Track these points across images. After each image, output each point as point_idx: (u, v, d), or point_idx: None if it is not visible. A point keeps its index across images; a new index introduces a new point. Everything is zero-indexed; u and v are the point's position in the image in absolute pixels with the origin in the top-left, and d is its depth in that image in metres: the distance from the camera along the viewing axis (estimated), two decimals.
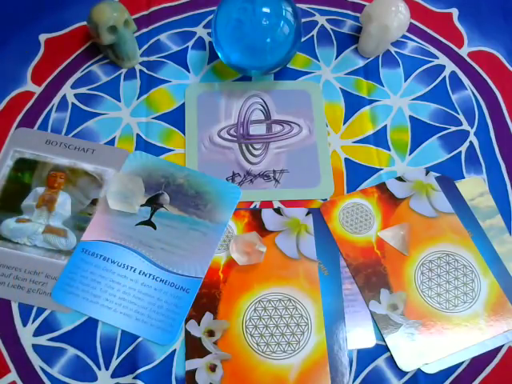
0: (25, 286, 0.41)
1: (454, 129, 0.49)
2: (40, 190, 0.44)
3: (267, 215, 0.44)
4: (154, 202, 0.44)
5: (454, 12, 0.55)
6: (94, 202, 0.43)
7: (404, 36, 0.53)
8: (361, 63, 0.52)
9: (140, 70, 0.51)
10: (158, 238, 0.42)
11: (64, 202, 0.43)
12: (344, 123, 0.49)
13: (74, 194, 0.44)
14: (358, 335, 0.40)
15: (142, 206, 0.43)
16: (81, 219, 0.43)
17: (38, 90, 0.49)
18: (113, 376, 0.39)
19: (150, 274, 0.41)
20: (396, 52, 0.53)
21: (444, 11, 0.55)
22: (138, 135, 0.47)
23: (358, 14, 0.54)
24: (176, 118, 0.48)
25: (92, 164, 0.45)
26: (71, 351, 0.39)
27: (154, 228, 0.43)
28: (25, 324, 0.40)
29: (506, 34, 0.54)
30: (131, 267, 0.41)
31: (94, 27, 0.47)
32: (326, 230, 0.44)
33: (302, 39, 0.51)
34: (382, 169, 0.47)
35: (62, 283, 0.40)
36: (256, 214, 0.44)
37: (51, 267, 0.41)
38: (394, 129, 0.49)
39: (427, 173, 0.46)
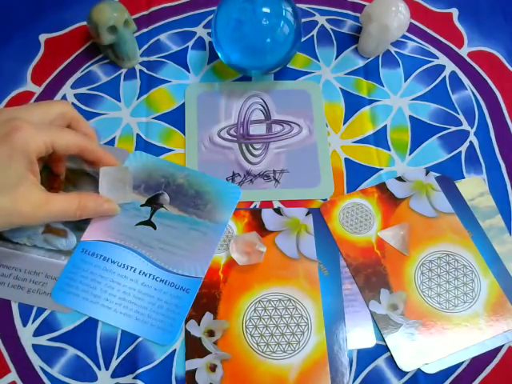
0: (25, 286, 0.41)
1: (454, 129, 0.49)
2: None
3: (267, 215, 0.44)
4: (153, 202, 0.44)
5: (454, 12, 0.55)
6: None
7: (404, 36, 0.53)
8: (361, 63, 0.52)
9: (140, 70, 0.51)
10: (157, 238, 0.42)
11: None
12: (344, 123, 0.49)
13: None
14: (358, 335, 0.40)
15: (142, 206, 0.43)
16: (81, 219, 0.43)
17: (38, 90, 0.49)
18: (113, 376, 0.39)
19: (149, 274, 0.41)
20: (396, 52, 0.53)
21: (444, 11, 0.55)
22: (138, 135, 0.47)
23: (358, 14, 0.54)
24: (176, 118, 0.48)
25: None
26: (71, 351, 0.39)
27: (154, 228, 0.43)
28: (25, 324, 0.40)
29: (506, 34, 0.54)
30: (131, 267, 0.41)
31: (94, 27, 0.47)
32: (326, 229, 0.44)
33: (302, 39, 0.51)
34: (382, 169, 0.47)
35: (62, 283, 0.40)
36: (256, 214, 0.44)
37: (51, 267, 0.41)
38: (394, 129, 0.49)
39: (427, 173, 0.46)
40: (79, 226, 0.42)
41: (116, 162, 0.42)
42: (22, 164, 0.36)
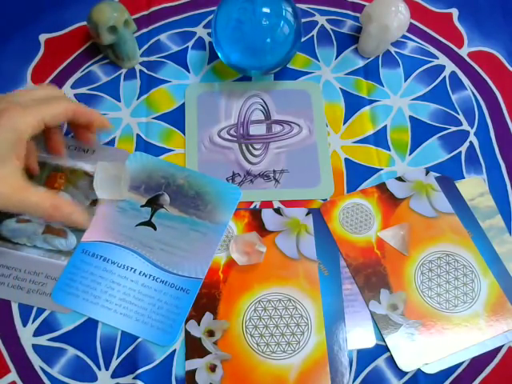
0: (24, 287, 0.41)
1: (454, 129, 0.49)
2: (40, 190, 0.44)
3: (267, 215, 0.44)
4: (154, 203, 0.44)
5: (454, 12, 0.55)
6: (94, 202, 0.43)
7: (404, 36, 0.53)
8: (361, 63, 0.52)
9: (140, 70, 0.51)
10: (158, 238, 0.42)
11: None
12: (344, 123, 0.49)
13: (73, 195, 0.44)
14: (358, 335, 0.40)
15: (142, 206, 0.43)
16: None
17: None
18: (113, 376, 0.39)
19: (150, 275, 0.41)
20: (396, 52, 0.53)
21: (444, 11, 0.55)
22: (138, 135, 0.47)
23: (357, 14, 0.54)
24: (176, 118, 0.48)
25: (92, 164, 0.45)
26: (71, 351, 0.39)
27: (154, 229, 0.43)
28: (25, 324, 0.40)
29: (506, 34, 0.54)
30: (131, 268, 0.41)
31: (93, 27, 0.47)
32: (326, 230, 0.44)
33: (302, 39, 0.51)
34: (382, 169, 0.47)
35: (62, 284, 0.40)
36: (256, 214, 0.44)
37: (51, 268, 0.41)
38: (394, 129, 0.49)
39: (427, 173, 0.46)
40: None
41: (108, 123, 0.43)
42: (9, 145, 0.35)
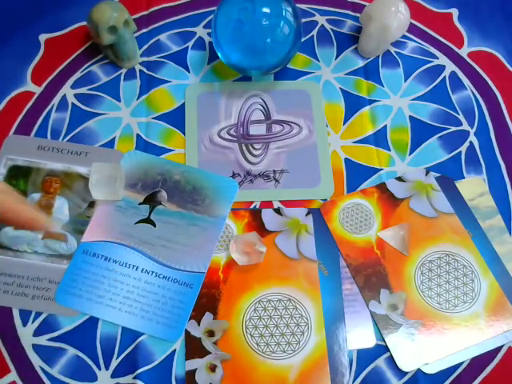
0: (29, 293, 0.40)
1: (454, 129, 0.49)
2: (36, 196, 0.44)
3: (267, 215, 0.44)
4: (151, 200, 0.44)
5: (454, 12, 0.55)
6: (92, 204, 0.43)
7: (404, 36, 0.53)
8: (361, 63, 0.52)
9: (140, 70, 0.51)
10: (158, 235, 0.42)
11: (61, 207, 0.43)
12: (344, 123, 0.49)
13: (70, 198, 0.44)
14: (358, 335, 0.40)
15: (140, 204, 0.43)
16: (79, 222, 0.43)
17: (38, 90, 0.49)
18: (113, 376, 0.39)
19: (152, 272, 0.41)
20: (396, 52, 0.53)
21: (444, 11, 0.55)
22: (138, 135, 0.47)
23: (357, 14, 0.54)
24: (176, 118, 0.48)
25: (86, 167, 0.45)
26: (71, 351, 0.39)
27: (154, 225, 0.43)
28: (25, 324, 0.40)
29: (506, 34, 0.54)
30: (133, 266, 0.41)
31: (94, 27, 0.47)
32: (326, 230, 0.44)
33: (302, 39, 0.51)
34: (382, 169, 0.47)
35: (65, 285, 0.40)
36: (256, 214, 0.44)
37: (54, 272, 0.41)
38: (394, 129, 0.49)
39: (427, 173, 0.46)
40: (78, 229, 0.42)
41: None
42: None
